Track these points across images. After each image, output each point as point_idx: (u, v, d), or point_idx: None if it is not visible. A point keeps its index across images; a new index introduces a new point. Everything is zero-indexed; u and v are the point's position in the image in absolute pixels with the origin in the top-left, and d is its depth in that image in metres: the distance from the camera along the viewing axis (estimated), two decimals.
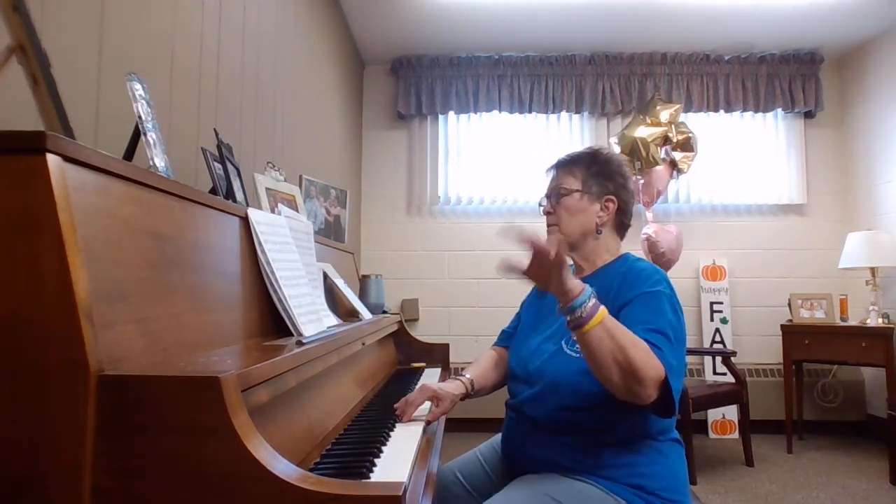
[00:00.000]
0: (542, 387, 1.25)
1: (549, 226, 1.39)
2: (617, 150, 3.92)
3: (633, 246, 3.95)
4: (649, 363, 1.05)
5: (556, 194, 1.38)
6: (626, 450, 1.18)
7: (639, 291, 1.20)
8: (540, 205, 1.43)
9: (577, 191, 1.35)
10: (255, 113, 2.15)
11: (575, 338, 1.10)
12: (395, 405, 1.29)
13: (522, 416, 1.29)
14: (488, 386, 1.47)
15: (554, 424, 1.22)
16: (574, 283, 1.08)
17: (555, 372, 1.23)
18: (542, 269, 1.06)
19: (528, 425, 1.27)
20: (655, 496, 1.16)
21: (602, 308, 1.08)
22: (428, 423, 1.23)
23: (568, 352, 1.24)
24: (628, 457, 1.18)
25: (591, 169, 1.37)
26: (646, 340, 1.09)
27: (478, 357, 1.55)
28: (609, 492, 1.15)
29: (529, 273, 1.09)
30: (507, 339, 1.56)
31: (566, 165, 1.40)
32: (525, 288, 1.62)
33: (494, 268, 1.13)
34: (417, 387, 1.34)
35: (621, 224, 1.39)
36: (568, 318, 1.08)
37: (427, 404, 1.30)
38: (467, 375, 1.42)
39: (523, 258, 1.08)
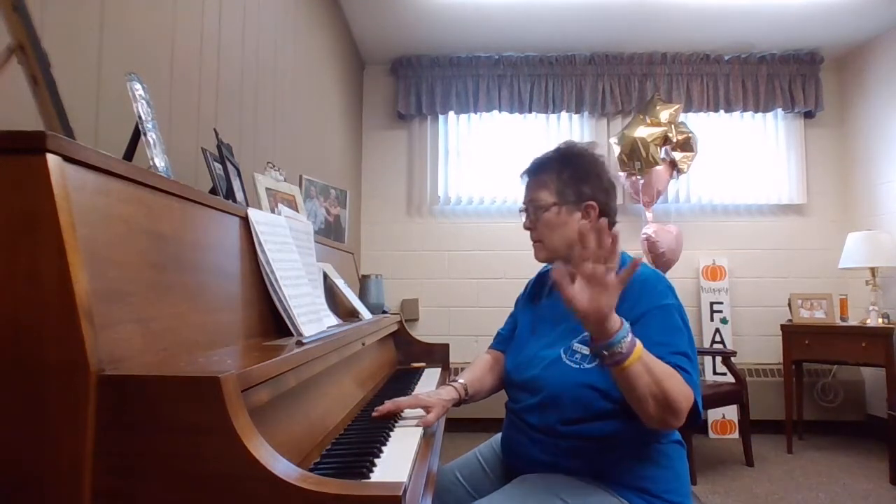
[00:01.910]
0: (542, 397, 1.22)
1: (534, 242, 1.34)
2: (617, 150, 3.92)
3: (633, 246, 3.96)
4: (683, 393, 1.04)
5: (532, 209, 1.32)
6: (629, 454, 1.18)
7: (649, 306, 1.16)
8: (521, 211, 1.36)
9: (553, 204, 1.28)
10: (255, 113, 2.15)
11: (612, 373, 1.04)
12: (378, 408, 1.23)
13: (523, 422, 1.28)
14: (484, 391, 1.43)
15: (556, 433, 1.20)
16: (615, 318, 1.00)
17: (556, 384, 1.20)
18: (592, 297, 0.97)
19: (529, 431, 1.25)
20: (659, 499, 1.16)
21: (638, 343, 1.02)
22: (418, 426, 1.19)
23: (567, 362, 1.21)
24: (632, 460, 1.17)
25: (562, 175, 1.29)
26: (675, 366, 1.07)
27: (473, 361, 1.51)
28: (614, 493, 1.15)
29: (576, 294, 0.98)
30: (503, 342, 1.52)
31: (537, 175, 1.33)
32: (517, 289, 1.60)
33: (552, 271, 1.02)
34: (411, 395, 1.30)
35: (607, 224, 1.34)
36: (605, 354, 1.01)
37: (419, 410, 1.25)
38: (461, 381, 1.37)
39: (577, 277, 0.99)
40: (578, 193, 1.28)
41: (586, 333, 1.20)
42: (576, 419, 1.18)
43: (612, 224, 1.32)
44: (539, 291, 1.47)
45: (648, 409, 1.03)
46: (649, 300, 1.17)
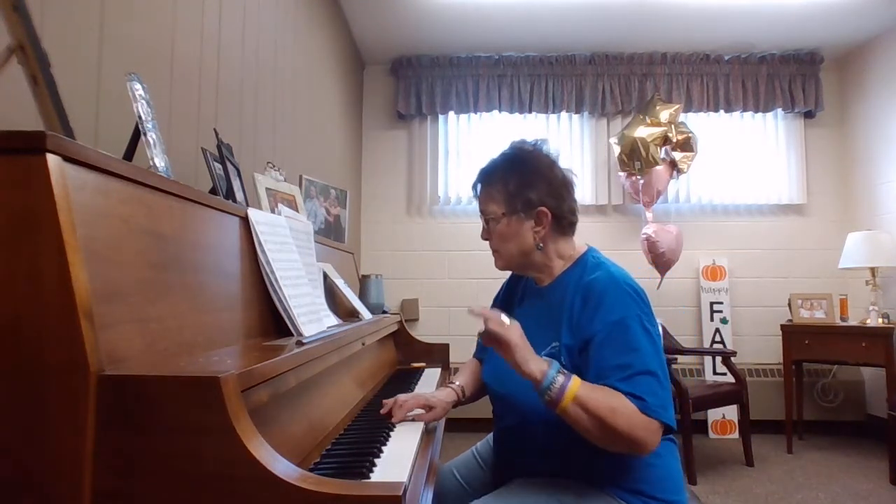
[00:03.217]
0: (522, 417, 1.21)
1: (492, 251, 1.33)
2: (617, 150, 3.92)
3: (633, 245, 3.96)
4: (634, 424, 1.02)
5: (485, 220, 1.30)
6: (619, 458, 1.14)
7: (603, 323, 1.11)
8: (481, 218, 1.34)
9: (502, 215, 1.26)
10: (255, 113, 2.15)
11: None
12: (385, 401, 1.26)
13: (510, 440, 1.28)
14: (477, 393, 1.45)
15: (542, 449, 1.20)
16: (535, 365, 1.05)
17: (530, 403, 1.13)
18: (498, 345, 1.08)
19: (518, 447, 1.25)
20: (654, 499, 1.15)
21: (572, 382, 1.03)
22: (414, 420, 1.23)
23: None
24: (624, 460, 1.16)
25: (509, 184, 1.25)
26: (628, 394, 1.04)
27: (464, 364, 1.53)
28: (613, 494, 1.14)
29: (491, 343, 1.10)
30: (483, 350, 1.52)
31: (485, 185, 1.31)
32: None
33: (467, 311, 1.14)
34: (413, 394, 1.32)
35: (564, 226, 1.28)
36: (540, 398, 1.05)
37: (420, 410, 1.27)
38: (457, 383, 1.40)
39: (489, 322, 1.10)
40: (526, 201, 1.24)
41: (554, 344, 1.19)
42: (557, 434, 1.14)
43: (569, 224, 1.28)
44: (510, 299, 1.45)
45: (600, 443, 1.05)
46: (604, 317, 1.12)
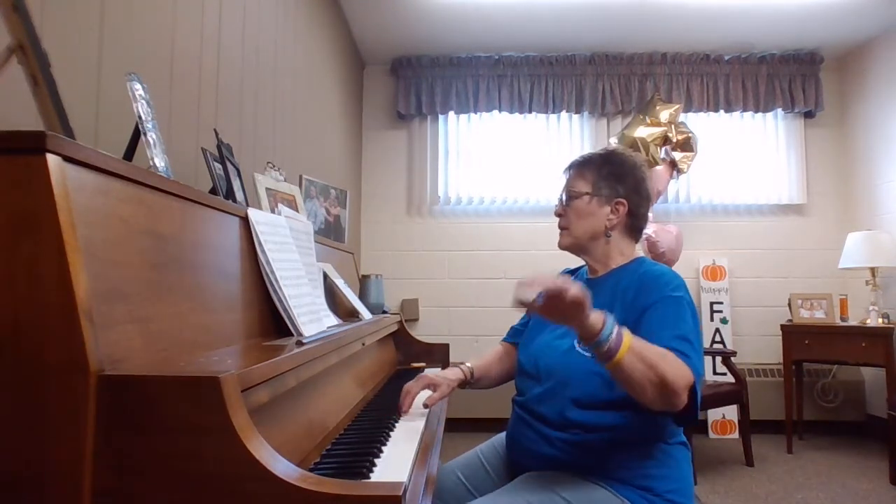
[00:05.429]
0: (551, 384, 1.25)
1: (560, 229, 1.39)
2: None
3: None
4: (679, 373, 1.05)
5: (566, 196, 1.38)
6: (634, 451, 1.18)
7: (661, 295, 1.19)
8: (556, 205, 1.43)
9: (586, 193, 1.34)
10: (255, 113, 2.15)
11: (607, 370, 1.05)
12: (402, 391, 1.33)
13: (530, 413, 1.29)
14: (490, 377, 1.48)
15: (562, 422, 1.21)
16: (595, 317, 1.01)
17: (566, 369, 1.23)
18: (559, 308, 0.97)
19: (536, 423, 1.26)
20: (662, 499, 1.16)
21: (625, 332, 1.03)
22: (425, 406, 1.28)
23: (580, 350, 1.23)
24: (637, 459, 1.17)
25: (602, 171, 1.35)
26: (673, 349, 1.08)
27: (487, 351, 1.57)
28: (616, 493, 1.15)
29: (545, 311, 0.99)
30: (514, 335, 1.56)
31: (579, 167, 1.39)
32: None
33: (510, 303, 1.01)
34: (416, 377, 1.38)
35: (633, 227, 1.36)
36: (595, 352, 1.04)
37: (427, 392, 1.34)
38: (468, 364, 1.45)
39: (536, 295, 0.97)
40: (613, 189, 1.33)
41: None
42: (583, 405, 1.19)
43: (639, 228, 1.37)
44: None
45: (647, 395, 1.04)
46: (660, 291, 1.20)
